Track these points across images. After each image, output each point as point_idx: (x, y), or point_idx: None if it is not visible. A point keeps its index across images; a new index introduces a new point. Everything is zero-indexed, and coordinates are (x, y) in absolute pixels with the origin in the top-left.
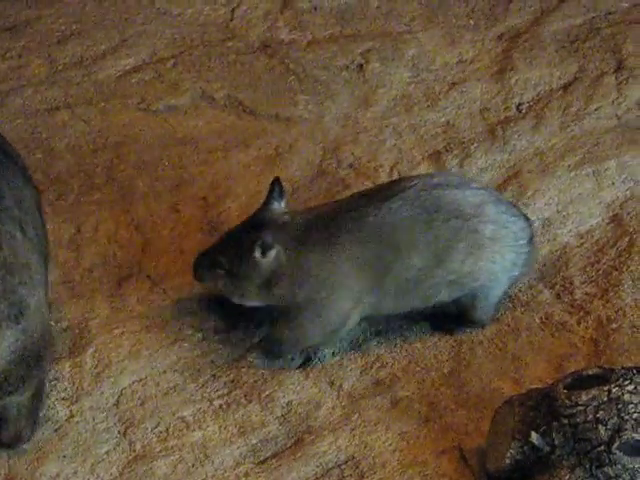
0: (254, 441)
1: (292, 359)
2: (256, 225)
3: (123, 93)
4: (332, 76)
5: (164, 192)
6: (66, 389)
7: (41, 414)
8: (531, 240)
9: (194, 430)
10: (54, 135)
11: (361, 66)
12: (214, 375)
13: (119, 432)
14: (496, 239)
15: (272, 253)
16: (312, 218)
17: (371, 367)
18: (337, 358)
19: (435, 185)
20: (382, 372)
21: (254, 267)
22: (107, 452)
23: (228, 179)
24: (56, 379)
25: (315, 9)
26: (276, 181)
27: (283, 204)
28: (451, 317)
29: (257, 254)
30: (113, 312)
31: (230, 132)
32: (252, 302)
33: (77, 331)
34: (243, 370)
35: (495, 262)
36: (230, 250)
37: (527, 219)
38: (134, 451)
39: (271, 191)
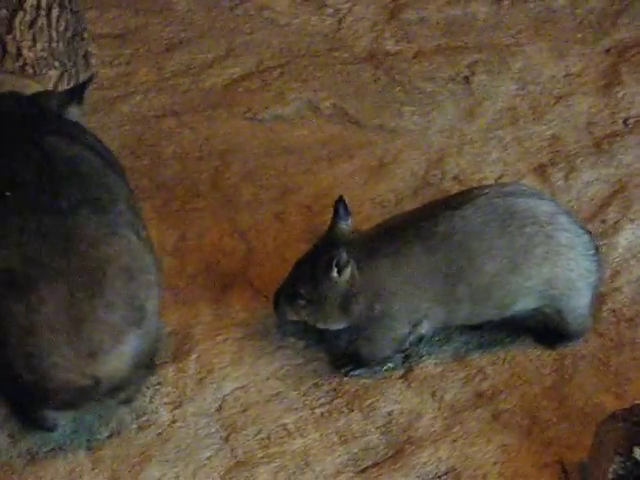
0: (355, 450)
1: (393, 369)
2: (327, 246)
3: (229, 101)
4: (438, 87)
5: (268, 200)
6: (169, 394)
7: (144, 418)
8: (597, 251)
9: (295, 438)
10: (161, 142)
11: (467, 78)
12: (316, 383)
13: (221, 438)
14: (571, 247)
15: (348, 271)
16: (381, 232)
17: (473, 379)
18: (439, 369)
19: (507, 193)
20: (484, 384)
21: (333, 288)
22: (209, 457)
23: (332, 188)
24: (159, 383)
25: (422, 20)
26: (340, 200)
27: (349, 222)
28: (551, 332)
29: (334, 274)
30: (216, 319)
31: (335, 142)
32: (336, 324)
33: (181, 337)
34: (345, 379)
35: (572, 269)
36: (306, 278)
37: (590, 232)
38: (235, 457)
39: (336, 211)
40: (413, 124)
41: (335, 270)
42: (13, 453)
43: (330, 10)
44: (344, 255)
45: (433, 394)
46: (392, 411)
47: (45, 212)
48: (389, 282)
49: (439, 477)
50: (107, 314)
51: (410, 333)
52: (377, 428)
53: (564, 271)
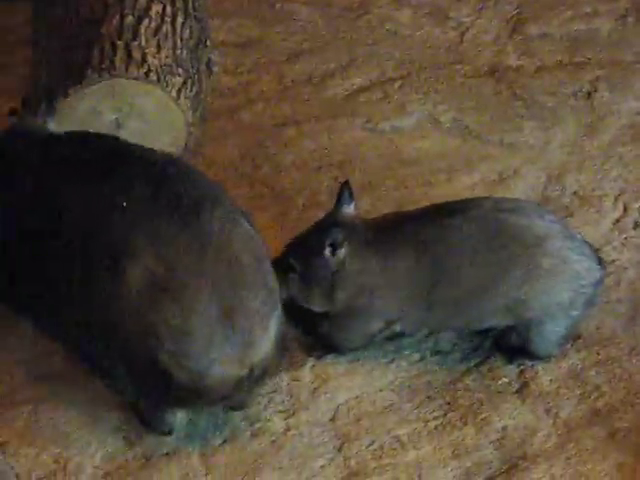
0: (468, 464)
1: (508, 383)
2: (326, 226)
3: (350, 112)
4: (559, 103)
5: (386, 211)
6: (284, 402)
7: (258, 425)
8: (598, 284)
9: (408, 450)
10: (281, 151)
11: (589, 94)
12: (430, 396)
13: (334, 447)
14: (554, 273)
15: (341, 252)
16: (379, 225)
17: (589, 396)
18: (554, 385)
19: (503, 210)
20: (600, 402)
21: (324, 266)
22: (322, 467)
23: None
24: (274, 391)
25: (544, 35)
26: (345, 184)
27: (352, 207)
28: (515, 346)
29: (327, 252)
30: None
31: (454, 155)
32: (318, 306)
33: (296, 345)
34: (459, 392)
35: (550, 296)
36: (299, 252)
37: (600, 262)
38: (348, 467)
39: (340, 194)
40: (534, 139)
41: (329, 249)
42: (129, 456)
43: (453, 23)
44: (340, 236)
45: (548, 410)
46: (506, 426)
47: (172, 214)
48: (375, 278)
49: None
50: (252, 301)
51: (382, 330)
52: (491, 443)
53: (541, 296)
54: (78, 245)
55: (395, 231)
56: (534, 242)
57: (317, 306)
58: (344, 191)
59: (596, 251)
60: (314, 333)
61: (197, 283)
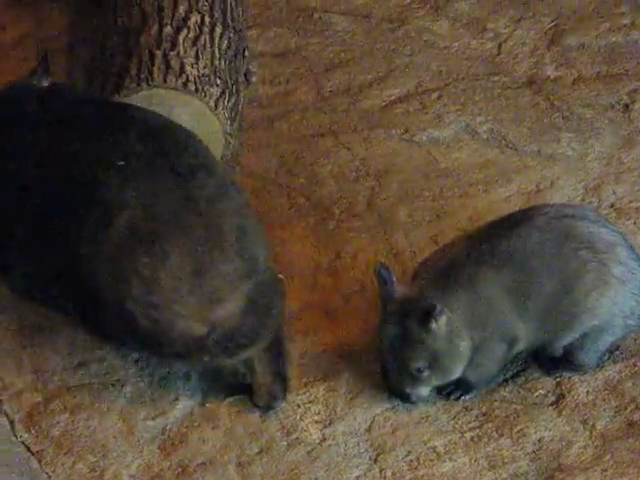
0: (504, 475)
1: (545, 395)
2: (406, 310)
3: (387, 123)
4: (597, 115)
5: (424, 223)
6: (319, 412)
7: (294, 435)
8: None
9: (445, 461)
10: (318, 161)
11: (627, 106)
12: (466, 407)
13: (370, 458)
14: (623, 281)
15: (443, 318)
16: (446, 264)
17: (625, 408)
18: (591, 397)
19: (568, 215)
20: (636, 414)
21: (439, 340)
22: (358, 477)
23: (488, 213)
24: (310, 402)
25: (582, 46)
26: (379, 266)
27: (394, 279)
28: (558, 358)
29: (434, 326)
30: (368, 339)
31: (492, 166)
32: (460, 369)
33: (333, 356)
34: (495, 404)
35: (617, 304)
36: (411, 351)
37: None
38: (384, 478)
39: (380, 277)
40: (571, 150)
41: (433, 322)
42: (164, 465)
43: (490, 34)
44: (434, 306)
45: (584, 422)
46: (542, 438)
47: (168, 175)
48: (476, 310)
49: None
50: (224, 265)
51: (509, 351)
52: (527, 454)
53: (609, 303)
54: (71, 195)
55: (465, 262)
56: (604, 248)
57: (458, 371)
58: (381, 271)
59: None
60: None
61: (173, 239)
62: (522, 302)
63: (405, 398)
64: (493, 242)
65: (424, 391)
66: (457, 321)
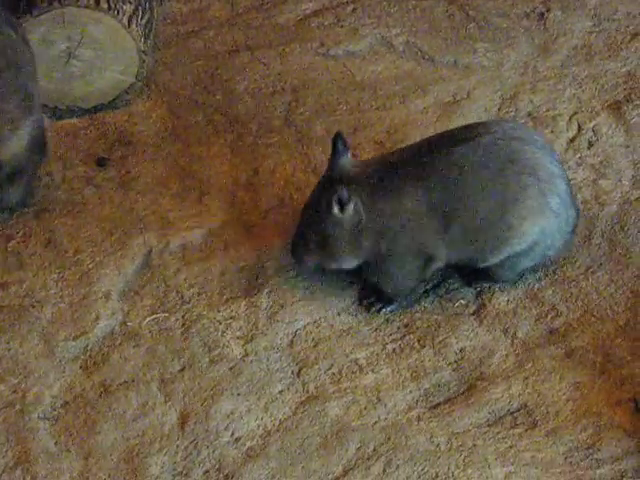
0: (427, 386)
1: (465, 305)
2: (328, 184)
3: (303, 37)
4: (512, 24)
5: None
6: (241, 328)
7: (216, 352)
8: (572, 232)
9: (367, 373)
10: (234, 77)
11: (542, 14)
12: (388, 319)
13: (293, 372)
14: (557, 214)
15: (350, 207)
16: (384, 167)
17: (546, 316)
18: (511, 306)
19: (515, 137)
20: (557, 321)
21: (338, 225)
22: (280, 392)
23: (405, 124)
24: (231, 318)
25: None
26: (338, 136)
27: (349, 156)
28: (480, 270)
29: (336, 211)
30: (289, 254)
31: (408, 78)
32: (347, 263)
33: (253, 271)
34: (417, 315)
35: (545, 234)
36: (312, 220)
37: (578, 212)
38: (307, 392)
39: (335, 146)
40: (487, 60)
41: (337, 208)
42: (86, 385)
43: None
44: (345, 192)
45: (505, 331)
46: (464, 348)
47: None
48: (391, 220)
49: (511, 414)
50: (3, 104)
51: (424, 267)
52: (449, 364)
53: (537, 231)
54: None
55: (402, 168)
56: (546, 178)
57: (344, 263)
58: (337, 142)
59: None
60: (366, 290)
61: None
62: (447, 222)
63: (294, 257)
64: (431, 156)
65: (308, 261)
66: (366, 222)
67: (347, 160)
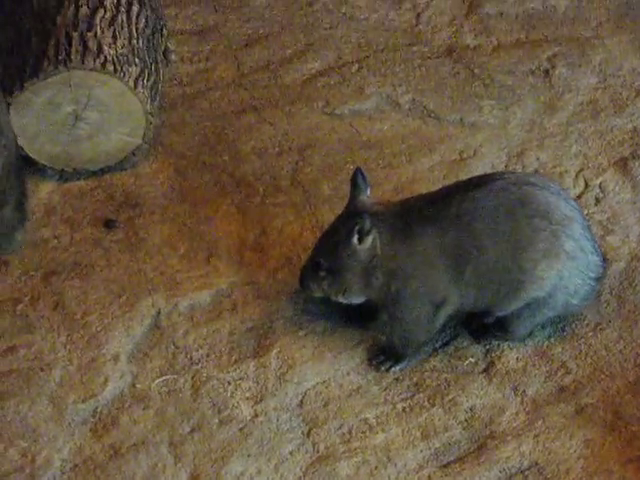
0: (437, 445)
1: (475, 364)
2: (349, 216)
3: (308, 96)
4: (518, 81)
5: (348, 195)
6: (250, 389)
7: (226, 413)
8: (599, 280)
9: (377, 432)
10: (240, 137)
11: (547, 71)
12: (397, 378)
13: (303, 433)
14: (573, 257)
15: (369, 239)
16: (401, 208)
17: (555, 373)
18: (521, 363)
19: (528, 183)
20: (566, 379)
21: (353, 256)
22: (291, 452)
23: (412, 183)
24: (240, 379)
25: (501, 14)
26: (358, 171)
27: (369, 193)
28: (492, 325)
29: (355, 240)
30: (297, 314)
31: (414, 136)
32: (355, 298)
33: (261, 332)
34: (426, 374)
35: (563, 279)
36: (326, 248)
37: (604, 259)
38: (317, 452)
39: (354, 182)
40: (493, 118)
41: (356, 237)
42: (96, 448)
43: (408, 5)
44: (367, 222)
45: (515, 389)
46: (474, 406)
47: None
48: (404, 261)
49: (522, 472)
50: None
51: (435, 314)
52: (459, 423)
53: (555, 276)
54: None
55: (416, 215)
56: (559, 220)
57: (351, 297)
58: (358, 178)
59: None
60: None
61: None
62: (459, 265)
63: (301, 282)
64: (445, 202)
65: (314, 289)
66: (380, 258)
67: (366, 197)
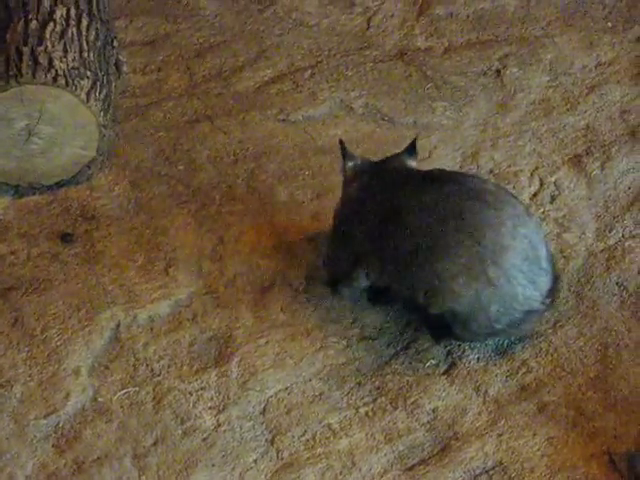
0: (401, 448)
1: (436, 365)
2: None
3: (262, 104)
4: (470, 82)
5: (305, 201)
6: (213, 398)
7: (189, 423)
8: (532, 314)
9: (341, 437)
10: (195, 147)
11: (499, 71)
12: (359, 382)
13: (266, 440)
14: (494, 284)
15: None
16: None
17: (517, 372)
18: (482, 363)
19: (481, 198)
20: (528, 377)
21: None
22: (255, 460)
23: None
24: (202, 389)
25: (451, 16)
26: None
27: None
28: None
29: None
30: (257, 321)
31: (369, 140)
32: None
33: (222, 341)
34: (388, 377)
35: (480, 301)
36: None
37: (541, 298)
38: (282, 459)
39: (343, 151)
40: (446, 119)
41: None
42: (59, 463)
43: (359, 9)
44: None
45: (477, 389)
46: (436, 408)
47: None
48: (345, 204)
49: (487, 472)
50: None
51: (353, 264)
52: (422, 425)
53: (471, 296)
54: None
55: (388, 174)
56: (490, 246)
57: None
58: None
59: (557, 284)
60: None
61: None
62: (384, 237)
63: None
64: (405, 180)
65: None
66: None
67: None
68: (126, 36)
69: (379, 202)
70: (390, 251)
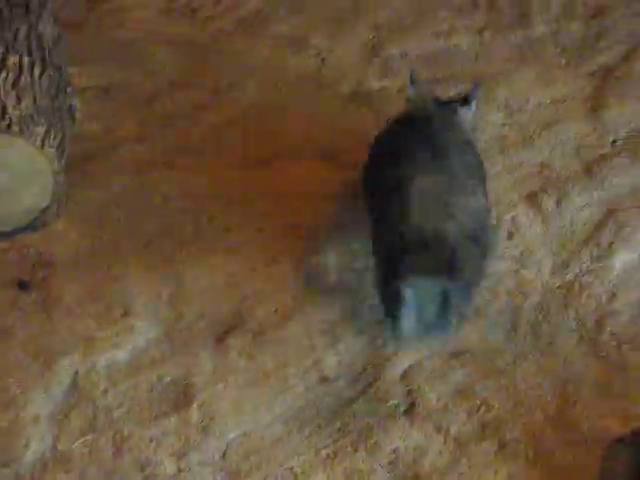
0: None
1: (397, 406)
2: None
3: (216, 148)
4: None
5: (261, 244)
6: (173, 444)
7: (149, 470)
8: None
9: None
10: (149, 192)
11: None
12: (319, 425)
13: None
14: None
15: None
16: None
17: (477, 411)
18: (442, 403)
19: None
20: (488, 415)
21: None
22: None
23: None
24: (162, 434)
25: (405, 55)
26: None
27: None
28: None
29: None
30: (216, 366)
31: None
32: None
33: (181, 386)
34: (348, 419)
35: None
36: None
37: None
38: None
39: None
40: None
41: None
42: None
43: (312, 51)
44: None
45: (437, 428)
46: (397, 448)
47: None
48: None
49: None
50: None
51: None
52: (383, 467)
53: None
54: None
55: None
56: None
57: None
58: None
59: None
60: None
61: None
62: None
63: None
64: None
65: None
66: None
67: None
68: (80, 82)
69: None
70: None
